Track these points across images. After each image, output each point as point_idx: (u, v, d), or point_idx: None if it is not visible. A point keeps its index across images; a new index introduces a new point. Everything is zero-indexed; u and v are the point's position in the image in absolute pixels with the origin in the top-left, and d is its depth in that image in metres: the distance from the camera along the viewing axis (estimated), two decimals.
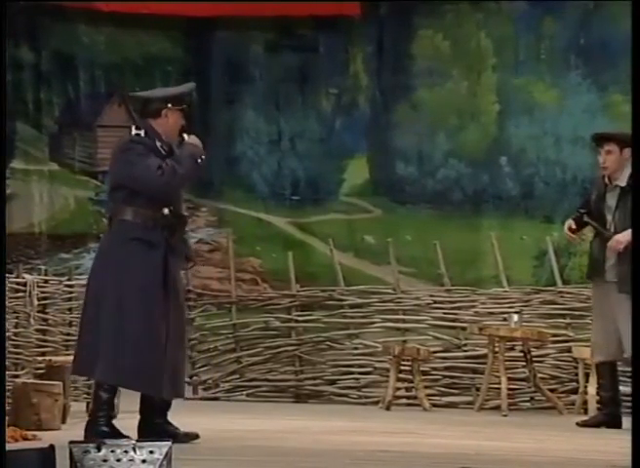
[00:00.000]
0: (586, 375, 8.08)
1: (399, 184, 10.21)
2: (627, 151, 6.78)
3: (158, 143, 5.91)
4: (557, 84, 9.78)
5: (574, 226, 6.99)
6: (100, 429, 5.78)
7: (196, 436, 5.99)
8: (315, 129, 10.21)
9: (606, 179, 6.98)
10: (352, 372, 8.81)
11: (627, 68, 9.70)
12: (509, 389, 8.06)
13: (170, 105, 5.92)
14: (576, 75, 9.75)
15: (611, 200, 6.98)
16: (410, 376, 8.37)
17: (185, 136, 6.00)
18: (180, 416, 6.31)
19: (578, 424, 7.18)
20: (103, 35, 10.07)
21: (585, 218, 6.97)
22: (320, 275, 9.58)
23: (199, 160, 5.90)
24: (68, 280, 8.23)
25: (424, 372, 8.42)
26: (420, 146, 10.16)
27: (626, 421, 7.31)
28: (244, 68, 10.13)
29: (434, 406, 8.36)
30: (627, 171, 6.84)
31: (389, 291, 8.89)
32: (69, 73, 10.12)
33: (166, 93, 6.08)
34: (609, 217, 6.95)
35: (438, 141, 10.11)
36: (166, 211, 5.87)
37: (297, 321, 8.99)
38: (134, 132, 5.95)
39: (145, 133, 5.92)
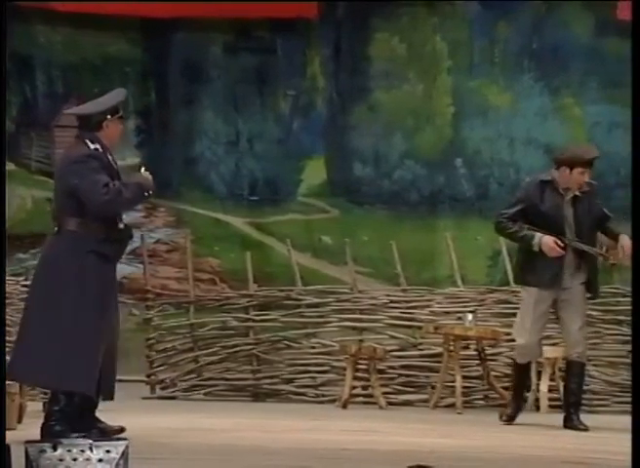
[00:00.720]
0: (538, 373, 8.14)
1: (356, 185, 10.23)
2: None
3: (110, 157, 6.01)
4: (510, 87, 9.84)
5: (560, 244, 7.03)
6: (55, 429, 5.80)
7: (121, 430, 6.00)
8: (273, 130, 10.20)
9: (561, 191, 7.09)
10: (309, 371, 8.80)
11: (578, 72, 9.81)
12: (464, 387, 8.09)
13: (109, 117, 6.00)
14: (528, 78, 9.81)
15: (567, 210, 7.08)
16: (366, 375, 8.38)
17: (142, 168, 6.15)
18: (138, 415, 6.28)
19: (501, 419, 7.20)
20: (61, 35, 9.99)
21: (574, 244, 7.06)
22: (278, 275, 9.57)
23: (146, 193, 6.04)
24: (25, 280, 8.19)
25: (381, 371, 8.44)
26: (376, 148, 10.18)
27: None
28: (202, 70, 10.09)
29: (390, 404, 8.37)
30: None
31: (346, 290, 8.90)
32: (26, 73, 10.03)
33: (104, 105, 6.13)
34: (565, 224, 7.03)
35: (394, 143, 10.14)
36: (122, 225, 6.01)
37: (254, 320, 8.97)
38: (92, 146, 6.04)
39: (101, 146, 6.04)
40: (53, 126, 10.19)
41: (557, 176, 7.10)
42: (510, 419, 7.19)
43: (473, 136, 9.91)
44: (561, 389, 8.13)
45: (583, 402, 8.36)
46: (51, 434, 5.73)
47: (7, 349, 6.45)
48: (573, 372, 7.26)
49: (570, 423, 7.17)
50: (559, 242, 7.00)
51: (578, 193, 7.10)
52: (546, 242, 6.99)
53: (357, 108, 10.08)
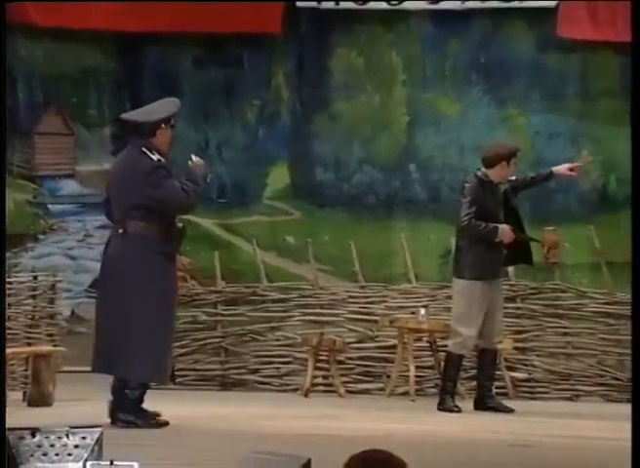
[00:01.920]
0: None
1: (318, 189, 10.21)
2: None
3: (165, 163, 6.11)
4: (460, 98, 9.88)
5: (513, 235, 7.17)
6: (130, 419, 6.04)
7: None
8: (240, 137, 10.17)
9: (495, 187, 7.21)
10: (274, 362, 8.79)
11: (522, 85, 9.87)
12: (417, 376, 8.11)
13: (164, 125, 6.00)
14: (477, 91, 9.85)
15: (499, 200, 7.22)
16: (327, 365, 8.37)
17: (193, 156, 6.27)
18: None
19: (452, 411, 7.20)
20: (41, 49, 9.91)
21: (525, 236, 7.19)
22: (244, 272, 9.54)
23: (207, 179, 6.35)
24: (7, 277, 8.09)
25: (340, 362, 8.44)
26: (336, 154, 10.17)
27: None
28: (173, 81, 10.04)
29: (349, 392, 8.38)
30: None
31: (308, 287, 8.89)
32: (9, 84, 9.95)
33: (160, 114, 6.11)
34: (500, 216, 7.19)
35: (353, 149, 10.14)
36: (180, 224, 6.18)
37: (222, 315, 8.94)
38: (155, 157, 6.09)
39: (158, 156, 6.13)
40: (33, 133, 10.11)
41: (491, 174, 7.19)
42: (458, 409, 7.20)
43: (426, 144, 9.93)
44: (507, 377, 8.18)
45: (526, 389, 8.42)
46: (130, 424, 5.96)
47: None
48: (491, 359, 7.28)
49: (491, 405, 7.17)
50: (514, 229, 7.16)
51: (507, 187, 7.27)
52: (506, 230, 7.09)
53: (319, 117, 10.08)
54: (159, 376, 6.19)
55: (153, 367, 6.04)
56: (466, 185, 7.23)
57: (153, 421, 6.11)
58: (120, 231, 6.11)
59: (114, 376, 6.22)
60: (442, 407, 7.20)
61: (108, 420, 5.98)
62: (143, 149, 6.07)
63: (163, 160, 6.12)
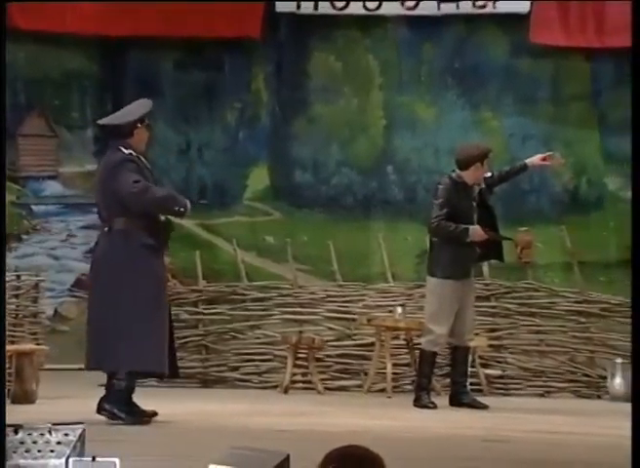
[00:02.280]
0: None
1: (297, 190, 10.21)
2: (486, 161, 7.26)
3: (143, 160, 6.11)
4: (436, 102, 9.90)
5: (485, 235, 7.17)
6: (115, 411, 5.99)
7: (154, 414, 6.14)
8: (220, 140, 10.15)
9: (469, 189, 7.22)
10: (254, 360, 8.77)
11: (495, 89, 9.90)
12: (394, 373, 8.12)
13: (139, 125, 6.03)
14: (451, 95, 9.87)
15: (473, 202, 7.23)
16: (306, 363, 8.37)
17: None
18: (95, 401, 6.21)
19: (427, 407, 7.19)
20: (24, 52, 9.87)
21: (497, 235, 7.21)
22: (225, 272, 9.53)
23: (177, 207, 6.14)
24: None
25: (319, 359, 8.44)
26: (315, 156, 10.17)
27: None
28: (155, 84, 10.02)
29: (327, 389, 8.38)
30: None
31: (288, 286, 8.88)
32: None
33: (135, 115, 6.19)
34: (474, 216, 7.20)
35: (332, 152, 10.14)
36: (162, 218, 6.15)
37: (203, 314, 8.93)
38: (126, 151, 6.14)
39: (134, 151, 6.16)
40: (17, 135, 10.07)
41: (465, 176, 7.20)
42: (433, 405, 7.21)
43: (403, 146, 9.94)
44: (481, 374, 8.20)
45: (500, 385, 8.45)
46: (113, 416, 5.91)
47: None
48: (464, 356, 7.29)
49: (465, 401, 7.18)
50: (485, 229, 7.17)
51: (482, 187, 7.28)
52: (477, 230, 7.11)
53: (297, 120, 10.08)
54: (153, 364, 6.09)
55: (143, 355, 6.01)
56: (439, 187, 7.24)
57: (139, 418, 6.05)
58: (106, 229, 6.17)
59: (105, 371, 6.20)
60: (418, 403, 7.21)
61: (92, 416, 5.96)
62: (120, 148, 6.15)
63: (134, 154, 6.14)
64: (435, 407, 7.14)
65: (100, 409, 6.03)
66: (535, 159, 7.46)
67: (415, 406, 7.18)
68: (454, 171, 7.29)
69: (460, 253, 7.17)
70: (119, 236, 6.07)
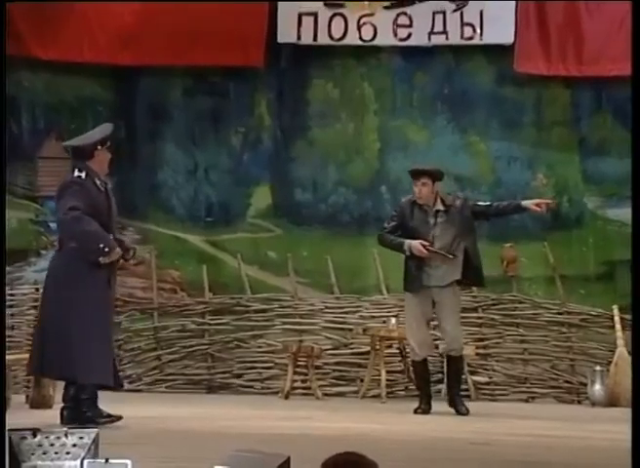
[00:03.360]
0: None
1: (297, 208, 10.23)
2: (437, 184, 7.19)
3: (98, 181, 6.03)
4: (427, 126, 9.93)
5: (424, 250, 7.10)
6: (88, 415, 5.92)
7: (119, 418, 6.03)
8: (226, 161, 10.18)
9: (425, 206, 7.15)
10: (256, 367, 8.78)
11: (482, 114, 9.94)
12: (388, 380, 8.12)
13: (99, 147, 6.03)
14: (441, 119, 9.91)
15: (431, 220, 7.15)
16: (305, 370, 8.38)
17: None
18: (108, 406, 6.21)
19: (416, 413, 7.14)
20: (42, 80, 9.91)
21: (430, 249, 7.11)
22: (229, 285, 9.54)
23: (101, 245, 5.96)
24: (11, 289, 8.07)
25: (317, 367, 8.45)
26: (314, 176, 10.20)
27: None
28: (165, 109, 10.05)
29: (325, 395, 8.38)
30: (438, 198, 7.21)
31: (288, 298, 8.90)
32: (13, 112, 9.95)
33: (94, 138, 6.16)
34: (430, 234, 7.12)
35: (329, 172, 10.16)
36: (111, 236, 6.04)
37: (209, 324, 8.94)
38: (76, 173, 6.07)
39: (86, 174, 6.00)
40: (36, 157, 10.11)
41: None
42: (426, 412, 7.21)
43: (396, 168, 9.96)
44: (470, 381, 8.20)
45: (487, 391, 8.45)
46: (84, 419, 5.82)
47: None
48: (451, 367, 7.25)
49: (455, 407, 7.16)
50: (426, 244, 7.07)
51: (441, 207, 7.16)
52: (415, 245, 7.08)
53: (297, 143, 10.10)
54: (100, 377, 6.00)
55: (92, 369, 5.94)
56: (399, 204, 7.38)
57: (107, 418, 6.00)
58: (56, 246, 6.18)
59: (61, 379, 6.16)
60: (417, 409, 7.21)
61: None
62: (75, 169, 6.11)
63: (83, 175, 6.05)
64: (429, 411, 7.12)
65: (71, 420, 5.89)
66: (530, 203, 7.41)
67: (415, 412, 7.16)
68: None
69: (413, 267, 7.11)
70: (64, 253, 6.02)
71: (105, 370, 5.97)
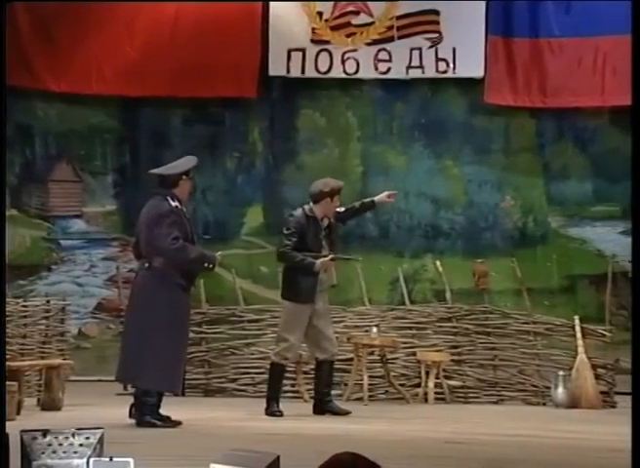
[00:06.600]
0: (427, 373, 8.19)
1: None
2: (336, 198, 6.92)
3: (184, 211, 6.06)
4: (405, 152, 9.98)
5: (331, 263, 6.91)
6: (149, 420, 6.08)
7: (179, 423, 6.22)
8: (221, 183, 10.20)
9: (319, 221, 6.90)
10: (249, 373, 8.76)
11: (456, 141, 10.01)
12: (369, 384, 8.12)
13: (184, 177, 6.01)
14: (419, 145, 9.97)
15: (323, 235, 6.94)
16: (294, 375, 8.36)
17: (218, 254, 6.33)
18: (113, 408, 6.19)
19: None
20: (54, 110, 9.94)
21: (339, 257, 7.01)
22: (225, 297, 9.53)
23: (206, 264, 6.17)
24: (24, 301, 8.07)
25: (305, 372, 8.43)
26: (303, 197, 10.17)
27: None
28: (165, 137, 10.08)
29: (312, 398, 8.35)
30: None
31: (279, 309, 8.87)
32: (27, 139, 9.97)
33: (182, 168, 6.16)
34: (324, 244, 6.91)
35: None
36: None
37: (206, 333, 8.92)
38: (173, 204, 6.11)
39: (179, 203, 6.13)
40: (48, 180, 10.12)
41: (316, 209, 6.92)
42: (282, 414, 6.81)
43: (377, 190, 9.94)
44: (445, 385, 8.20)
45: (461, 395, 8.45)
46: (146, 423, 6.00)
47: (6, 351, 6.36)
48: (325, 369, 6.98)
49: (329, 409, 6.94)
50: (332, 258, 6.85)
51: (331, 220, 6.96)
52: (323, 264, 6.84)
53: (288, 167, 10.14)
54: (171, 385, 6.21)
55: (166, 378, 6.09)
56: (291, 219, 6.93)
57: (170, 423, 6.18)
58: (146, 265, 6.14)
59: (135, 386, 6.29)
60: (267, 411, 6.87)
61: (111, 421, 5.93)
62: (167, 197, 6.11)
63: (180, 206, 6.13)
64: (281, 414, 6.82)
65: (139, 423, 6.08)
66: (382, 196, 7.19)
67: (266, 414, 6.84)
68: (308, 204, 6.98)
69: (303, 279, 6.84)
70: (157, 273, 6.07)
71: (177, 379, 6.16)
